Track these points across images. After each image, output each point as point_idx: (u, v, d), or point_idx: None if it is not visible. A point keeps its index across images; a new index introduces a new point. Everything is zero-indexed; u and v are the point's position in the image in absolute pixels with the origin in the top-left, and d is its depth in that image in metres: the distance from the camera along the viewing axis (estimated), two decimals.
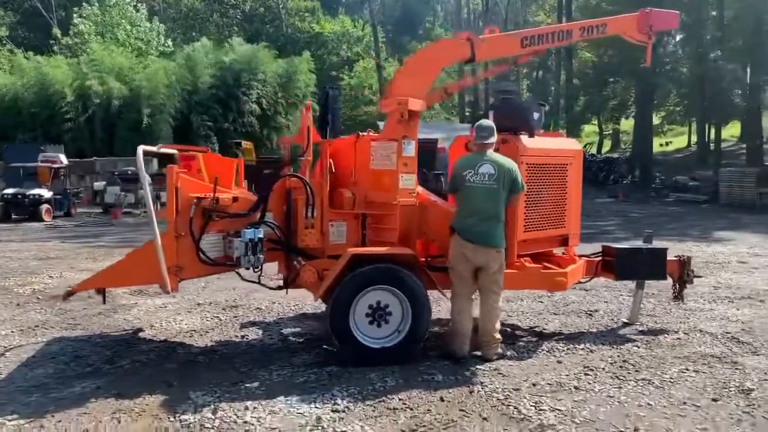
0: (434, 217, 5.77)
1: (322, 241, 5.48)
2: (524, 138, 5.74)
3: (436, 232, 5.76)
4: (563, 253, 6.28)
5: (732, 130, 45.34)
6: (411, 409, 4.35)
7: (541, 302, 7.71)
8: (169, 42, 38.99)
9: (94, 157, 28.75)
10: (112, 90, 30.84)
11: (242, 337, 6.18)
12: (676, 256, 6.57)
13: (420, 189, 5.84)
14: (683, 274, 6.48)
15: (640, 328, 6.48)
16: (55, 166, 21.46)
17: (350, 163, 5.87)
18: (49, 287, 8.63)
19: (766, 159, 33.74)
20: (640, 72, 29.99)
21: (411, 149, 5.60)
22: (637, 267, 6.18)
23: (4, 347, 5.85)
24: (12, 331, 6.38)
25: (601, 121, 44.48)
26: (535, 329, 6.46)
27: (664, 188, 33.83)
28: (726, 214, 23.10)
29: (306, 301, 7.56)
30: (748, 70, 33.85)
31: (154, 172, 26.48)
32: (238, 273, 5.60)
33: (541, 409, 4.33)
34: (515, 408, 4.36)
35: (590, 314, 7.09)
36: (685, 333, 6.29)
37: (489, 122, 5.48)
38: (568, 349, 5.73)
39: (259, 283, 5.60)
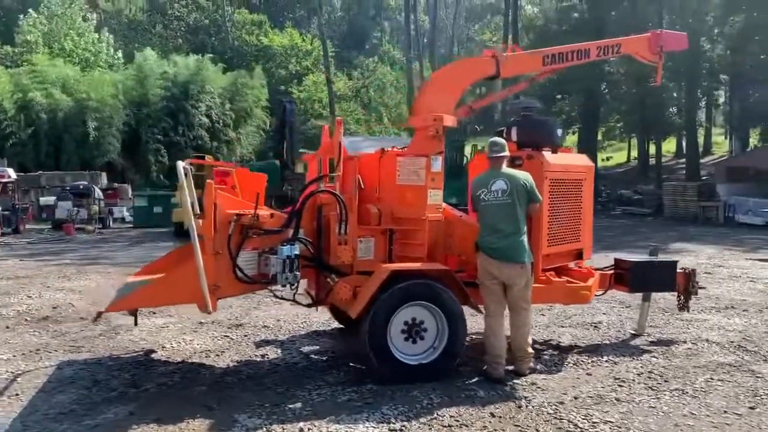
0: (459, 232, 5.80)
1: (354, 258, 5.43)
2: (547, 154, 5.84)
3: (461, 247, 5.79)
4: (578, 267, 6.40)
5: (667, 146, 47.32)
6: (466, 426, 4.34)
7: (543, 315, 7.82)
8: (119, 54, 37.95)
9: (40, 171, 27.62)
10: (58, 102, 29.77)
11: (262, 356, 6.04)
12: (681, 269, 6.78)
13: (444, 204, 5.86)
14: (689, 286, 6.70)
15: (650, 339, 6.66)
16: (3, 180, 20.53)
17: (374, 179, 5.82)
18: (33, 308, 8.23)
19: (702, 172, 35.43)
20: (589, 89, 31.03)
21: (438, 165, 5.61)
22: (649, 279, 6.37)
23: (12, 372, 5.55)
24: (13, 356, 6.05)
25: None
26: (551, 342, 6.55)
27: (609, 202, 34.93)
28: (673, 227, 23.99)
29: (313, 318, 7.47)
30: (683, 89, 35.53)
31: (104, 186, 25.73)
32: (270, 290, 5.48)
33: (593, 422, 4.40)
34: (568, 421, 4.41)
35: (596, 326, 7.24)
36: (693, 343, 6.50)
37: (500, 139, 5.56)
38: (592, 361, 5.83)
39: (294, 301, 5.49)
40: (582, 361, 5.84)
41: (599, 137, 44.99)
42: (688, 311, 6.93)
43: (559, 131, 5.88)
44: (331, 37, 55.53)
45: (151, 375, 5.47)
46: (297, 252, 5.10)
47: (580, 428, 4.30)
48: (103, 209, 23.62)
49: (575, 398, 4.87)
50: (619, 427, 4.31)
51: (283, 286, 5.14)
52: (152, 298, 5.02)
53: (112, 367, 5.69)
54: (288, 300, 5.53)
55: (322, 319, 7.46)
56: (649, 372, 5.52)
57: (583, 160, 6.48)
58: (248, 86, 35.51)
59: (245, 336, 6.75)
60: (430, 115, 5.41)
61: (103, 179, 28.14)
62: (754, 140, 40.97)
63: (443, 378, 5.19)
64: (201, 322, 7.35)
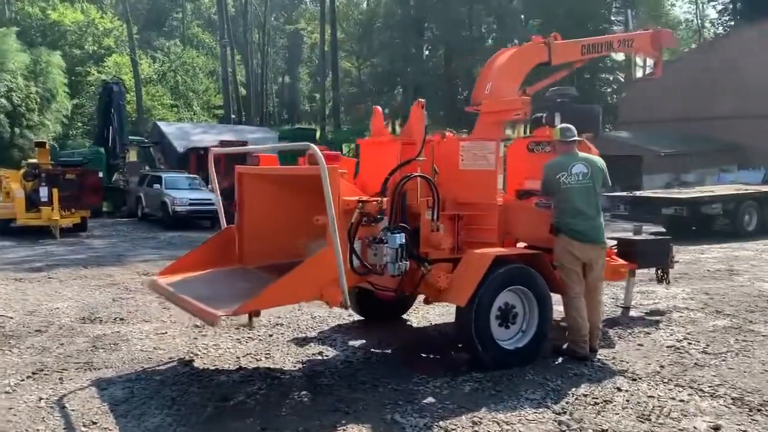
0: (516, 215, 5.86)
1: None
2: (589, 140, 6.13)
3: (518, 230, 5.88)
4: None
5: None
6: (609, 402, 4.49)
7: None
8: None
9: None
10: None
11: (320, 354, 5.63)
12: None
13: None
14: (669, 261, 7.44)
15: (640, 311, 7.28)
16: None
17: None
18: None
19: None
20: (417, 84, 32.57)
21: (501, 150, 5.66)
22: (652, 255, 6.97)
23: (44, 398, 4.57)
24: (21, 379, 4.97)
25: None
26: None
27: None
28: None
29: (314, 312, 7.06)
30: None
31: None
32: (370, 283, 5.10)
33: (710, 386, 4.79)
34: (689, 387, 4.76)
35: None
36: (677, 311, 7.25)
37: (569, 125, 5.75)
38: (629, 334, 6.26)
39: (397, 291, 5.18)
40: (621, 335, 6.24)
41: None
42: (668, 284, 7.67)
43: (600, 118, 6.20)
44: (127, 17, 51.47)
45: (223, 386, 4.85)
46: (404, 241, 4.84)
47: (706, 391, 4.66)
48: None
49: (662, 367, 5.24)
50: (734, 388, 4.74)
51: (393, 276, 4.85)
52: (280, 297, 4.42)
53: (165, 382, 4.93)
54: (391, 290, 5.20)
55: (320, 312, 7.08)
56: (684, 338, 6.08)
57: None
58: (53, 65, 31.72)
59: (271, 336, 6.20)
60: (514, 99, 5.43)
61: None
62: None
63: (534, 360, 5.27)
64: (196, 326, 6.58)
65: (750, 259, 11.86)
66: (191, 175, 21.38)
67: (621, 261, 6.35)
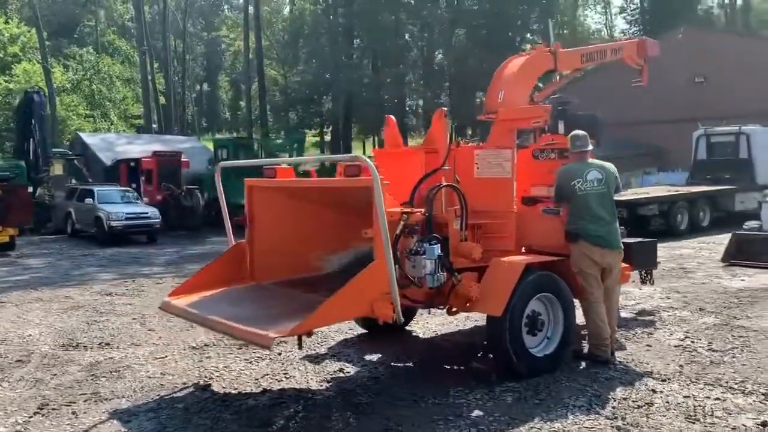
0: (525, 221, 5.87)
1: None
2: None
3: (527, 236, 5.88)
4: None
5: None
6: (650, 405, 4.56)
7: None
8: None
9: None
10: None
11: (340, 370, 5.46)
12: None
13: None
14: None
15: (630, 312, 7.47)
16: None
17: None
18: None
19: None
20: (349, 92, 32.59)
21: (515, 157, 5.67)
22: (645, 257, 7.14)
23: None
24: (30, 416, 4.57)
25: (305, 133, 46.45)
26: None
27: None
28: None
29: None
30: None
31: None
32: (405, 296, 4.94)
33: (736, 382, 4.95)
34: (718, 385, 4.89)
35: None
36: (664, 311, 7.49)
37: (582, 132, 5.81)
38: (633, 335, 6.39)
39: (427, 303, 5.06)
40: (626, 336, 6.35)
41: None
42: (652, 284, 7.89)
43: (603, 125, 6.31)
44: (37, 23, 48.91)
45: (255, 410, 4.62)
46: (440, 251, 4.75)
47: (736, 389, 4.81)
48: None
49: (681, 367, 5.37)
50: (758, 383, 4.90)
51: (431, 287, 4.75)
52: (333, 315, 4.22)
53: (190, 409, 4.64)
54: (421, 305, 5.08)
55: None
56: (686, 337, 6.27)
57: None
58: None
59: (280, 354, 5.95)
60: (536, 107, 5.46)
61: None
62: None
63: (561, 366, 5.29)
64: (193, 347, 6.26)
65: (693, 257, 12.37)
66: (124, 188, 20.47)
67: (625, 264, 6.47)
